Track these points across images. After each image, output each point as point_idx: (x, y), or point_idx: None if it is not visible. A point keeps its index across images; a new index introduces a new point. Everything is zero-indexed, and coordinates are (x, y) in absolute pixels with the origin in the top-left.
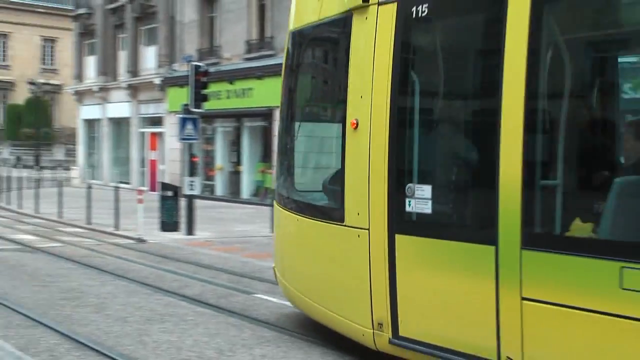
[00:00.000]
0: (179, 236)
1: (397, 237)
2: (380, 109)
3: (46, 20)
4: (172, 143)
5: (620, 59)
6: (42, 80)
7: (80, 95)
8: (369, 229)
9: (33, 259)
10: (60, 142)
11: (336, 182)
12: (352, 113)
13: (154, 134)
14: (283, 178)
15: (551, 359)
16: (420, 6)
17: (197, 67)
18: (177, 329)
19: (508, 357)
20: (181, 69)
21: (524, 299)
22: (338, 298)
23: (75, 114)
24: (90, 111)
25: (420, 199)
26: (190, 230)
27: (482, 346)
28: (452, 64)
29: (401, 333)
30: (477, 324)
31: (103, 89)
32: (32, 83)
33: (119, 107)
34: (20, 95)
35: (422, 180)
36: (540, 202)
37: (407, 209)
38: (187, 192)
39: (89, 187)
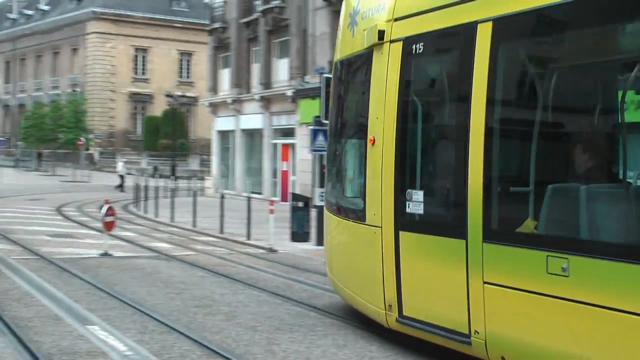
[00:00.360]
0: (309, 246)
1: (401, 233)
2: (390, 128)
3: (183, 34)
4: (303, 154)
5: (559, 89)
6: (178, 93)
7: (215, 107)
8: (381, 227)
9: (168, 266)
10: (195, 152)
11: (360, 189)
12: (371, 131)
13: (285, 145)
14: (329, 187)
15: (505, 331)
16: (418, 44)
17: (328, 79)
18: (306, 339)
19: (476, 331)
20: (313, 80)
21: (485, 282)
22: (362, 284)
23: (209, 126)
24: (224, 123)
25: (416, 202)
26: (320, 241)
27: (458, 322)
28: (437, 91)
29: (405, 313)
30: (454, 304)
31: (236, 101)
32: (169, 95)
33: (252, 118)
34: (158, 107)
35: (417, 187)
36: (497, 205)
37: (407, 210)
38: (317, 203)
39: (222, 197)
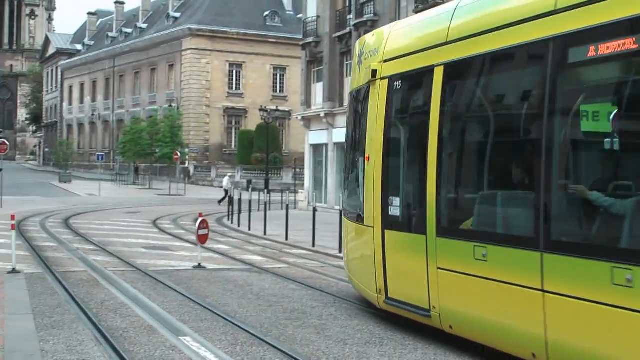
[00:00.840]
0: None
1: (386, 231)
2: (379, 148)
3: (277, 49)
4: None
5: (488, 119)
6: (272, 107)
7: (308, 121)
8: (373, 227)
9: (259, 279)
10: (288, 166)
11: (361, 197)
12: (367, 150)
13: None
14: (345, 196)
15: (452, 306)
16: (397, 82)
17: None
18: (396, 353)
19: (433, 307)
20: None
21: (439, 268)
22: (363, 274)
23: (303, 139)
24: (317, 136)
25: (395, 206)
26: None
27: (422, 300)
28: (409, 118)
29: (390, 295)
30: (419, 286)
31: (329, 115)
32: (263, 110)
33: (345, 132)
34: (252, 122)
35: (396, 194)
36: (446, 209)
37: (390, 212)
38: None
39: (315, 210)
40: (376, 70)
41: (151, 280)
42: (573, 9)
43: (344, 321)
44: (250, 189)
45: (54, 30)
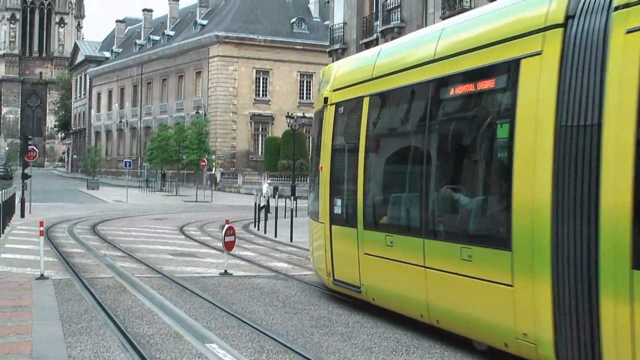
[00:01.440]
0: None
1: (332, 226)
2: (327, 160)
3: (304, 56)
4: None
5: (395, 140)
6: (299, 114)
7: None
8: (324, 223)
9: (286, 286)
10: None
11: (317, 200)
12: (321, 162)
13: None
14: (310, 199)
15: (372, 282)
16: (340, 108)
17: None
18: None
19: (362, 284)
20: None
21: (365, 253)
22: (319, 262)
23: None
24: None
25: (337, 206)
26: None
27: (355, 279)
28: (346, 137)
29: (336, 277)
30: (353, 268)
31: None
32: (289, 116)
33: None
34: (279, 128)
35: (338, 197)
36: (371, 207)
37: (334, 211)
38: None
39: None
40: (327, 98)
41: (177, 287)
42: (442, 60)
43: (370, 329)
44: (276, 196)
45: (83, 38)
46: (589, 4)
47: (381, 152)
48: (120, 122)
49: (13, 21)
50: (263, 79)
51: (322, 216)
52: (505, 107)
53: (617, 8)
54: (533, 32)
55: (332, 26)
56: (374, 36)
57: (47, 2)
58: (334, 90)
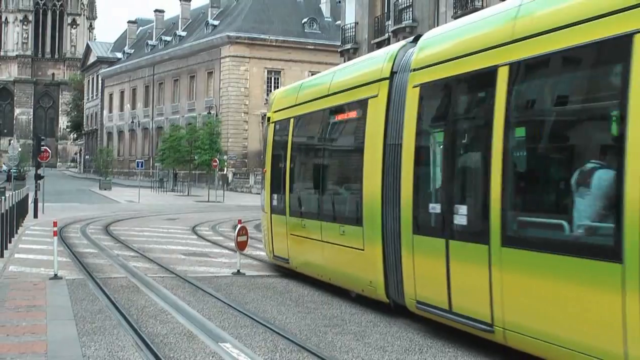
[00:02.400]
0: None
1: (272, 215)
2: (268, 163)
3: (315, 56)
4: None
5: (316, 151)
6: None
7: None
8: (267, 213)
9: (298, 285)
10: None
11: (263, 195)
12: (265, 166)
13: None
14: (261, 195)
15: (297, 255)
16: (277, 124)
17: None
18: None
19: (289, 257)
20: None
21: (290, 234)
22: (266, 243)
23: None
24: None
25: (274, 199)
26: None
27: (285, 253)
28: (279, 147)
29: (275, 254)
30: (284, 245)
31: None
32: None
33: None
34: None
35: (275, 192)
36: (295, 199)
37: (273, 204)
38: None
39: None
40: (269, 117)
41: (191, 286)
42: (332, 95)
43: (383, 328)
44: None
45: (95, 39)
46: (404, 65)
47: (299, 160)
48: (132, 122)
49: (25, 23)
50: (275, 79)
51: (266, 208)
52: (361, 130)
53: (413, 70)
54: (373, 81)
55: (344, 26)
56: (386, 36)
57: (59, 3)
58: (274, 112)
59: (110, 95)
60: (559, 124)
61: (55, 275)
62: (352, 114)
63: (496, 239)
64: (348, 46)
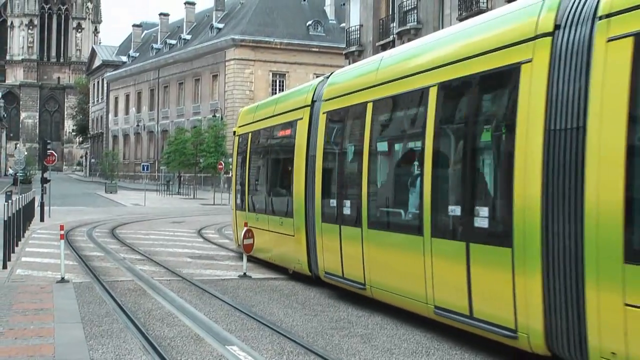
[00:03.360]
0: None
1: (237, 212)
2: (234, 169)
3: (320, 58)
4: None
5: (262, 161)
6: None
7: None
8: (234, 209)
9: (305, 288)
10: None
11: (231, 194)
12: (232, 171)
13: None
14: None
15: (257, 244)
16: (240, 137)
17: None
18: None
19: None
20: None
21: (250, 227)
22: (234, 234)
23: None
24: None
25: (237, 198)
26: None
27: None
28: (240, 153)
29: (238, 243)
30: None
31: None
32: None
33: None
34: None
35: (238, 193)
36: (250, 198)
37: (237, 201)
38: None
39: None
40: (235, 131)
41: (197, 289)
42: (275, 116)
43: (390, 330)
44: None
45: (100, 43)
46: (319, 96)
47: (254, 167)
48: (138, 126)
49: (31, 27)
50: (279, 81)
51: (232, 206)
52: (292, 144)
53: (323, 100)
54: (300, 107)
55: (348, 28)
56: (390, 38)
57: (65, 7)
58: (238, 127)
59: (116, 99)
60: (395, 144)
61: (62, 278)
62: (287, 132)
63: (356, 223)
64: (353, 48)
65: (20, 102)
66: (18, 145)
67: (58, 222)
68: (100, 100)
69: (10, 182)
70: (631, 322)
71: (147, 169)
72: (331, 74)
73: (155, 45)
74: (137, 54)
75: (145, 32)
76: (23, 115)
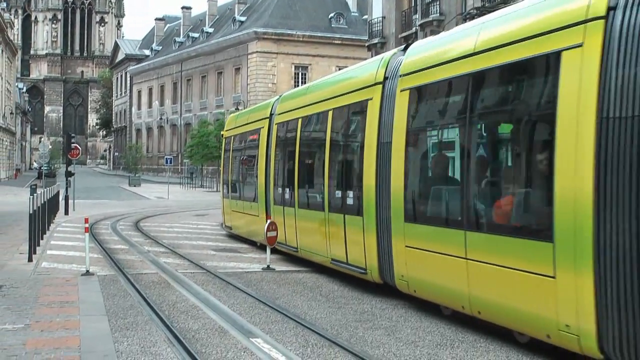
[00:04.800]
0: None
1: (224, 199)
2: (223, 165)
3: (342, 51)
4: None
5: (241, 155)
6: None
7: None
8: (222, 197)
9: (328, 280)
10: None
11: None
12: (221, 166)
13: None
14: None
15: (234, 224)
16: (227, 140)
17: None
18: (468, 356)
19: (232, 226)
20: None
21: (232, 210)
22: (223, 217)
23: None
24: None
25: (230, 188)
26: None
27: (230, 224)
28: (231, 152)
29: (232, 231)
30: (230, 220)
31: None
32: None
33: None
34: None
35: (227, 182)
36: (232, 187)
37: (225, 191)
38: None
39: None
40: (223, 134)
41: (221, 282)
42: (247, 124)
43: (414, 322)
44: None
45: (123, 37)
46: (274, 111)
47: (237, 162)
48: (161, 119)
49: (55, 21)
50: (302, 74)
51: (222, 194)
52: (257, 145)
53: (276, 114)
54: (263, 119)
55: (371, 20)
56: (413, 30)
57: (88, 1)
58: (225, 131)
59: (139, 92)
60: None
61: (87, 271)
62: (255, 136)
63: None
64: (375, 40)
65: (45, 96)
66: (42, 139)
67: (82, 215)
68: (123, 94)
69: (35, 176)
70: None
71: (170, 162)
72: (280, 95)
73: (177, 39)
74: (160, 48)
75: (168, 25)
76: (47, 109)
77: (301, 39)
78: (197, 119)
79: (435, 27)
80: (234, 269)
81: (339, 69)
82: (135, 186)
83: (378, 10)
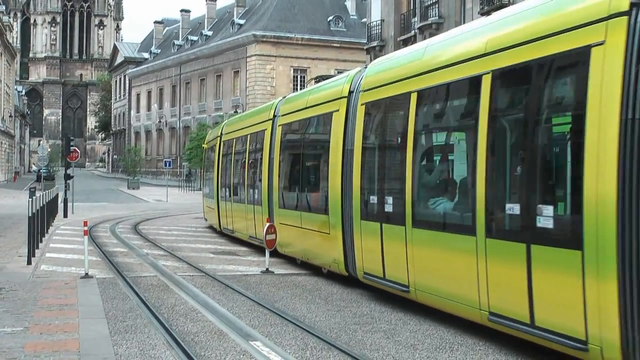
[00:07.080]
0: None
1: (220, 201)
2: (216, 168)
3: (341, 54)
4: None
5: (231, 159)
6: None
7: None
8: (216, 199)
9: (327, 283)
10: None
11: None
12: (214, 169)
13: None
14: (205, 189)
15: (223, 222)
16: (222, 144)
17: None
18: (467, 358)
19: (220, 224)
20: None
21: (220, 200)
22: (213, 218)
23: None
24: None
25: (223, 190)
26: None
27: (217, 223)
28: (220, 157)
29: (222, 226)
30: (214, 217)
31: None
32: None
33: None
34: None
35: (220, 186)
36: (224, 190)
37: (220, 194)
38: None
39: None
40: (205, 146)
41: (220, 285)
42: (233, 132)
43: (413, 325)
44: None
45: (122, 40)
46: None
47: (226, 165)
48: (160, 122)
49: (54, 24)
50: (301, 77)
51: (215, 194)
52: (260, 148)
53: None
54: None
55: (370, 23)
56: (412, 33)
57: (87, 4)
58: (218, 136)
59: (138, 95)
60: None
61: (86, 274)
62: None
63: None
64: (374, 44)
65: (44, 99)
66: (41, 142)
67: (81, 218)
68: (122, 97)
69: (34, 179)
70: None
71: (169, 165)
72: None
73: (176, 42)
74: (159, 51)
75: (167, 28)
76: (46, 112)
77: (300, 42)
78: (195, 122)
79: (434, 30)
80: (233, 272)
81: (339, 72)
82: (134, 189)
83: (377, 13)
